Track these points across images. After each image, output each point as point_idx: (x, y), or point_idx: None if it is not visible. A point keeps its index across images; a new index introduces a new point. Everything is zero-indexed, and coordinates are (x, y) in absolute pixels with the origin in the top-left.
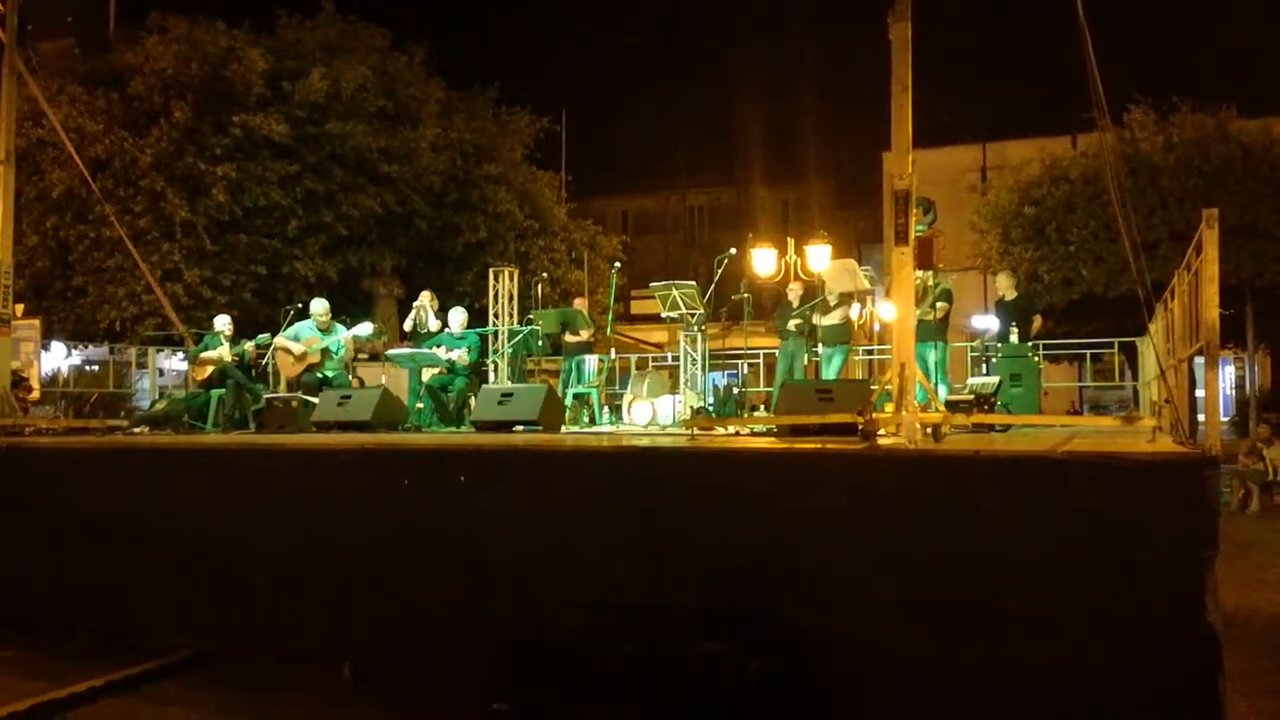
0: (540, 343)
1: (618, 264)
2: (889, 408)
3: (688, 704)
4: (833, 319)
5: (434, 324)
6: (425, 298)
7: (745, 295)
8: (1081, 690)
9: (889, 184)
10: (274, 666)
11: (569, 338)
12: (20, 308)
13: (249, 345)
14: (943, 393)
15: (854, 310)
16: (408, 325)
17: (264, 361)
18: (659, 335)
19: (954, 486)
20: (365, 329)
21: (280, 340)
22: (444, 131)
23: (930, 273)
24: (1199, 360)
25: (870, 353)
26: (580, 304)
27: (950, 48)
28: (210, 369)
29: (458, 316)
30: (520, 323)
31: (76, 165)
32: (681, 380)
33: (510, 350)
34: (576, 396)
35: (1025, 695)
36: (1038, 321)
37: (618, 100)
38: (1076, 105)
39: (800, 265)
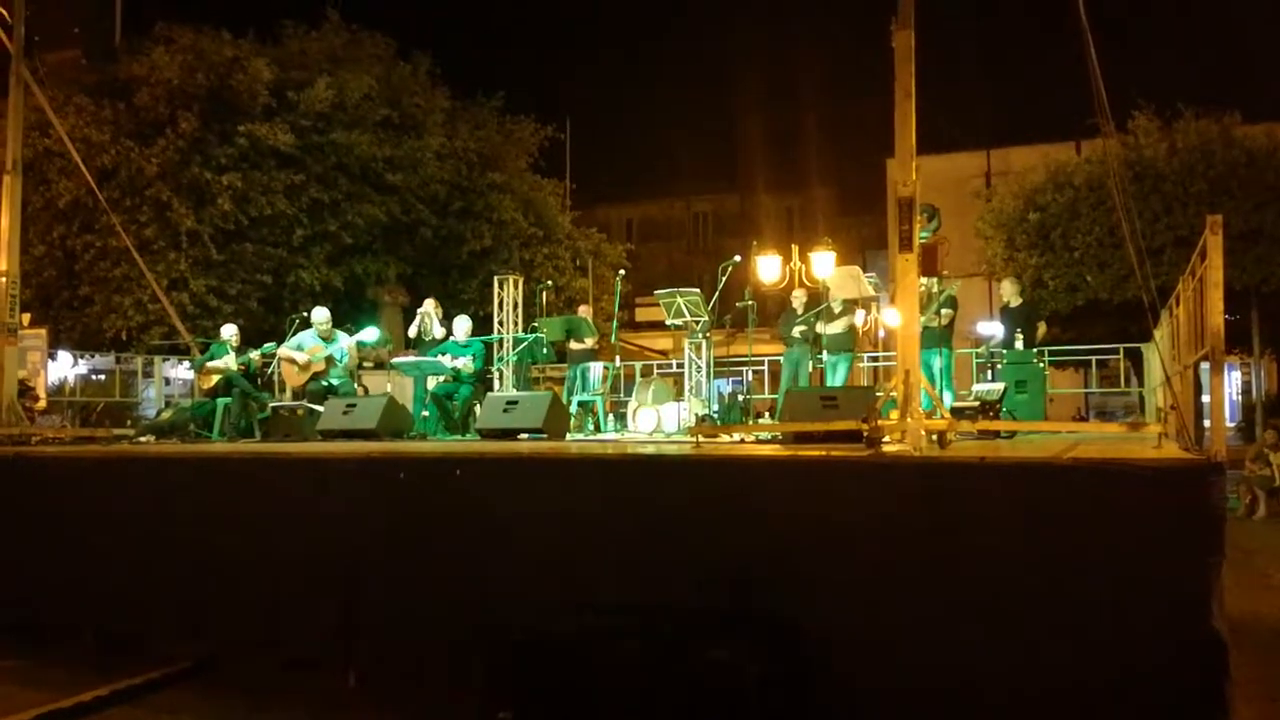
0: (545, 350)
1: (622, 271)
2: (894, 414)
3: (689, 707)
4: (837, 326)
5: (439, 332)
6: (430, 306)
7: (750, 302)
8: (1087, 696)
9: (893, 190)
10: (278, 673)
11: (574, 345)
12: (27, 317)
13: (255, 354)
14: (948, 399)
15: (858, 317)
16: (412, 333)
17: (269, 370)
18: (664, 342)
19: (959, 493)
20: (371, 334)
21: (284, 351)
22: (448, 140)
23: (935, 279)
24: (1204, 366)
25: (875, 359)
26: (585, 311)
27: (954, 54)
28: (216, 378)
29: (462, 325)
30: (525, 330)
31: (83, 175)
32: (686, 387)
33: (515, 358)
34: (581, 404)
35: (1030, 701)
36: (1043, 328)
37: (621, 108)
38: (1080, 111)
39: (805, 272)
